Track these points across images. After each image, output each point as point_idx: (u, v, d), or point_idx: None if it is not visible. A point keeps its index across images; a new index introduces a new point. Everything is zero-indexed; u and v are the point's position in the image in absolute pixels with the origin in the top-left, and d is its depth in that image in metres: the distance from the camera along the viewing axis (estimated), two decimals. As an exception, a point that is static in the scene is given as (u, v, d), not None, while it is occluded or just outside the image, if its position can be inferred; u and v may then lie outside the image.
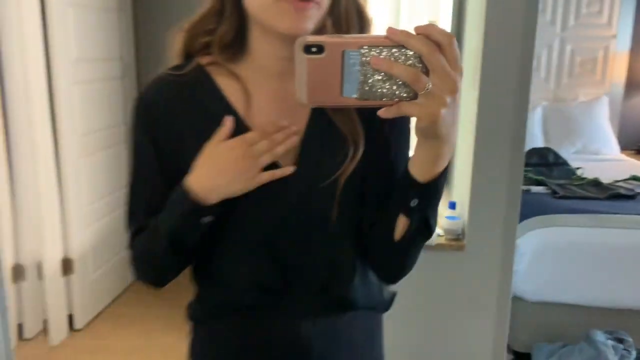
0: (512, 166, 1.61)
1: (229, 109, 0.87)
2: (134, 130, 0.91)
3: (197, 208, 0.82)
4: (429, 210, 0.83)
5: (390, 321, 1.24)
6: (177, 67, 0.89)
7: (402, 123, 0.89)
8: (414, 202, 0.81)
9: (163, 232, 0.86)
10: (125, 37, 3.22)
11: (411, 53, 0.66)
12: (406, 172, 0.80)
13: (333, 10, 0.83)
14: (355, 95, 0.67)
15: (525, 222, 2.44)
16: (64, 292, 2.77)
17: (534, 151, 3.63)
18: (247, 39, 0.88)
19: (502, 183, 1.62)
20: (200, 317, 1.00)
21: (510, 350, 2.44)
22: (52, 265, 2.70)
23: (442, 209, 1.77)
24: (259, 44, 0.87)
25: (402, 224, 0.84)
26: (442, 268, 1.74)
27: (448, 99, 0.67)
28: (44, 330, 2.77)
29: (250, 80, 0.88)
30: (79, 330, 2.86)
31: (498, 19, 1.48)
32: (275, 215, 0.89)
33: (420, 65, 0.66)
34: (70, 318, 2.83)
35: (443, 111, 0.67)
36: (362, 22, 0.86)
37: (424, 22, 0.86)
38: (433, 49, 0.65)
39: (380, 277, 0.97)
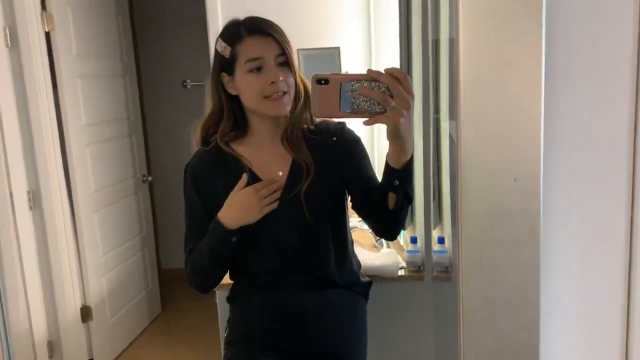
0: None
1: (242, 166, 1.36)
2: (185, 187, 1.43)
3: (226, 232, 1.32)
4: (407, 186, 1.25)
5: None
6: (206, 144, 1.41)
7: (351, 149, 1.40)
8: (396, 182, 1.23)
9: (207, 249, 1.35)
10: (131, 99, 3.50)
11: (382, 84, 1.06)
12: (387, 165, 1.22)
13: (295, 90, 1.34)
14: (348, 110, 1.06)
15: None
16: (84, 338, 3.00)
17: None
18: (248, 121, 1.39)
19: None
20: (233, 296, 1.48)
21: None
22: (72, 313, 2.93)
23: (407, 243, 1.96)
24: (256, 124, 1.39)
25: (392, 198, 1.27)
26: (406, 297, 1.93)
27: (404, 112, 1.08)
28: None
29: (254, 146, 1.39)
30: (99, 373, 3.07)
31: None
32: (271, 224, 1.35)
33: (388, 92, 1.06)
34: (91, 362, 3.05)
35: (402, 120, 1.09)
36: (307, 91, 1.35)
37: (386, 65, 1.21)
38: (395, 81, 1.06)
39: (384, 236, 1.45)
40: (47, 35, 2.72)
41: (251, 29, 1.32)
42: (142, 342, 3.40)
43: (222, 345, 1.54)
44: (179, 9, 4.01)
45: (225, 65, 1.35)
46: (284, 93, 1.31)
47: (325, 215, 1.39)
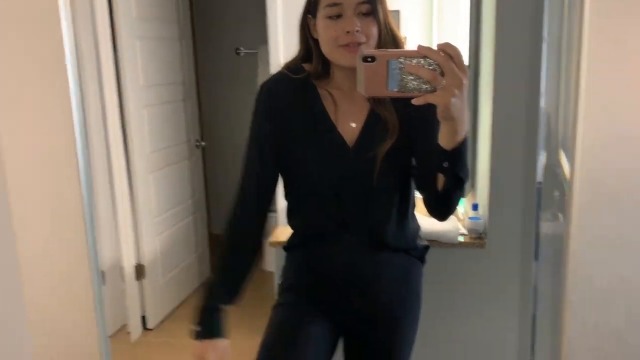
0: (526, 170, 1.75)
1: (324, 112, 1.33)
2: (256, 107, 1.36)
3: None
4: (457, 168, 1.17)
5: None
6: (291, 70, 1.35)
7: (428, 116, 1.19)
8: (445, 164, 1.15)
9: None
10: (186, 63, 3.52)
11: (432, 61, 0.99)
12: (438, 145, 1.14)
13: (378, 43, 1.26)
14: (395, 89, 1.01)
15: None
16: (137, 295, 3.09)
17: None
18: (330, 69, 1.34)
19: (518, 185, 1.76)
20: (290, 245, 1.48)
21: None
22: (127, 271, 3.01)
23: (468, 210, 1.92)
24: (336, 72, 1.33)
25: (441, 179, 1.21)
26: (465, 264, 1.89)
27: (456, 92, 1.00)
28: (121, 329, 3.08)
29: (331, 94, 1.34)
30: (151, 330, 3.16)
31: (506, 41, 1.64)
32: (337, 175, 1.33)
33: (439, 69, 0.99)
34: (144, 319, 3.14)
35: (453, 99, 1.00)
36: (396, 44, 1.30)
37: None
38: (446, 58, 0.99)
39: (432, 215, 1.34)
40: (108, -4, 2.75)
41: None
42: (191, 304, 3.48)
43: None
44: (235, -26, 4.00)
45: (311, 7, 1.32)
46: (361, 44, 1.24)
47: (393, 175, 1.35)
